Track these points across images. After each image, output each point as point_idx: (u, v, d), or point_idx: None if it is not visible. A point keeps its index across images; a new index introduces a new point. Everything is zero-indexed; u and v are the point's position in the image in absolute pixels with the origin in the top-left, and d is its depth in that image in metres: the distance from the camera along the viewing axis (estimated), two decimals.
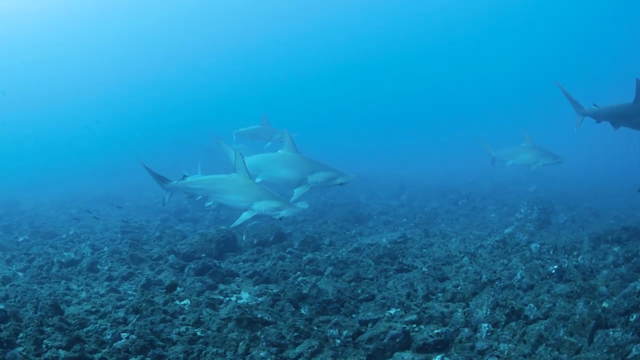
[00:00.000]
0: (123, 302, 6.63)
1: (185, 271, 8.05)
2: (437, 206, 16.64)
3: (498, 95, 66.05)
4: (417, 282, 7.58)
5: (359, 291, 6.89)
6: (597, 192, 19.11)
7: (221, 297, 6.94)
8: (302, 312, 6.24)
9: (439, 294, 7.21)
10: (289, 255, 9.23)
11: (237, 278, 7.88)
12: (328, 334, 5.45)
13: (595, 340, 5.36)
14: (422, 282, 7.61)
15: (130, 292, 7.28)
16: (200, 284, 7.30)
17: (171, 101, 68.29)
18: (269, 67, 74.88)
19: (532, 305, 6.42)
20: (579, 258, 8.56)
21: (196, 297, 6.74)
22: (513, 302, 6.61)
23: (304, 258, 8.94)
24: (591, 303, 6.07)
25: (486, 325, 5.96)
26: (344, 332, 5.48)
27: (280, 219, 8.38)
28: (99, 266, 8.80)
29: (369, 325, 5.89)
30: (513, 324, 6.04)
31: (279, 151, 10.31)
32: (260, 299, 6.83)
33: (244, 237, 10.26)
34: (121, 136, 52.42)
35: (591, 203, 15.18)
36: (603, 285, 6.96)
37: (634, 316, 5.53)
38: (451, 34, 69.22)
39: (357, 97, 72.03)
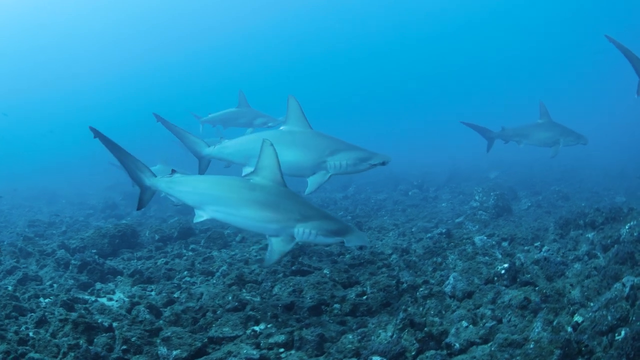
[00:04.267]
0: None
1: (70, 267, 7.34)
2: (385, 198, 14.98)
3: (487, 84, 64.81)
4: (309, 289, 5.59)
5: (230, 298, 5.56)
6: (567, 175, 17.28)
7: (87, 297, 6.24)
8: (159, 321, 5.21)
9: (335, 305, 5.25)
10: (190, 253, 8.34)
11: (120, 277, 7.18)
12: (159, 353, 4.32)
13: None
14: (315, 288, 5.55)
15: (8, 288, 6.63)
16: (72, 281, 6.76)
17: (163, 92, 65.30)
18: (253, 58, 72.33)
19: (464, 324, 4.13)
20: (543, 250, 6.41)
21: (63, 295, 5.97)
22: (435, 319, 4.27)
23: (206, 256, 8.01)
24: (555, 322, 3.76)
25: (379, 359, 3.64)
26: (174, 353, 4.27)
27: (360, 249, 5.09)
28: None
29: (223, 344, 4.56)
30: (429, 354, 3.75)
31: (282, 127, 6.83)
32: (127, 300, 6.03)
33: (147, 232, 9.43)
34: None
35: (560, 186, 13.18)
36: (575, 286, 4.76)
37: (622, 333, 3.67)
38: (435, 24, 68.38)
39: (338, 86, 70.40)
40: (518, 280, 5.20)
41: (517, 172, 17.67)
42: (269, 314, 5.09)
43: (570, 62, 59.17)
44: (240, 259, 7.68)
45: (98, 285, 6.76)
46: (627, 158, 19.23)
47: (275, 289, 5.92)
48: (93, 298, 6.28)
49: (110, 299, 6.32)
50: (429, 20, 67.64)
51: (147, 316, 5.23)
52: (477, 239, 6.64)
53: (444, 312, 4.62)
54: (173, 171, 6.02)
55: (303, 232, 4.83)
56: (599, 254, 6.04)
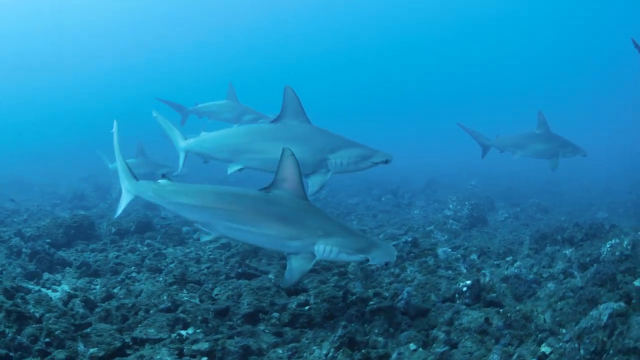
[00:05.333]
0: None
1: (22, 256, 7.25)
2: (358, 202, 14.38)
3: (486, 89, 64.28)
4: (249, 294, 5.01)
5: (165, 297, 5.20)
6: (549, 188, 16.82)
7: (32, 287, 6.06)
8: (91, 316, 4.97)
9: (273, 314, 4.67)
10: (145, 248, 8.14)
11: (68, 268, 7.02)
12: (78, 349, 4.09)
13: None
14: (254, 294, 4.95)
15: None
16: (20, 269, 6.58)
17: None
18: (252, 57, 71.63)
19: (412, 347, 3.49)
20: (514, 265, 5.72)
21: (7, 283, 5.76)
22: (379, 339, 3.61)
23: (158, 252, 7.77)
24: (516, 354, 3.10)
25: None
26: (91, 351, 4.03)
27: (386, 266, 4.47)
28: None
29: (146, 346, 4.19)
30: None
31: (277, 120, 5.98)
32: (68, 292, 5.85)
33: (104, 225, 9.29)
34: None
35: (540, 199, 12.61)
36: (546, 310, 4.12)
37: None
38: (435, 27, 68.48)
39: (336, 87, 69.89)
40: (482, 299, 4.56)
41: (498, 182, 17.16)
42: (199, 318, 4.63)
43: (572, 69, 59.32)
44: (193, 257, 7.39)
45: (45, 276, 6.65)
46: (616, 172, 18.94)
47: (216, 291, 5.44)
48: (37, 288, 6.11)
49: (55, 290, 6.14)
50: (429, 24, 68.00)
51: (81, 310, 5.04)
52: (440, 251, 6.00)
53: (392, 330, 3.97)
54: (163, 176, 5.42)
55: (324, 249, 4.33)
56: (575, 273, 5.44)
